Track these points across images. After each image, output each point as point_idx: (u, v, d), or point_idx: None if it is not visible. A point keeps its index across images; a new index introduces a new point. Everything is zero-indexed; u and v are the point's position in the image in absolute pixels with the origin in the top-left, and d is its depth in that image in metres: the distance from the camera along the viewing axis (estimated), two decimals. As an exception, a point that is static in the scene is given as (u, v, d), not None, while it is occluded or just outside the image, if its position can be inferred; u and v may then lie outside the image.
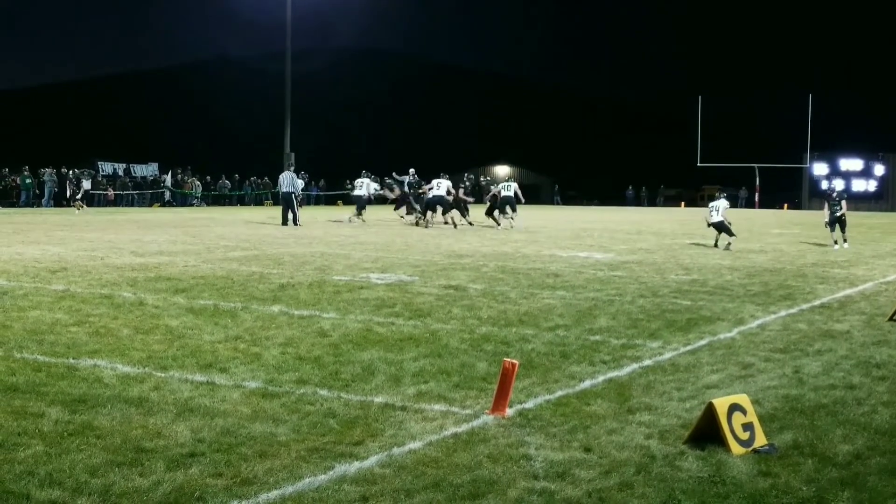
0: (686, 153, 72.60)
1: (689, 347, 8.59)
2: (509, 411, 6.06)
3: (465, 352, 8.14)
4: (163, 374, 6.96)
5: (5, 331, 8.54)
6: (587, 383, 7.02)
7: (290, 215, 28.82)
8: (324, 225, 29.96)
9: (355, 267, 15.35)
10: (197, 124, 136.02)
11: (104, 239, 20.94)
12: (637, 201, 76.01)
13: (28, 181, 46.78)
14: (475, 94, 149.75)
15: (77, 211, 38.49)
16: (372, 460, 5.07)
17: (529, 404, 6.33)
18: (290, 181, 29.77)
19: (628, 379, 7.22)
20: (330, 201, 59.55)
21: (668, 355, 8.19)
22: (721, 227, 21.40)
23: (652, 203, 75.57)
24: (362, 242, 21.43)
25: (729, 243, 20.99)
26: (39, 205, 45.27)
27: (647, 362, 7.86)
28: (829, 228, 22.71)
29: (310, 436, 5.50)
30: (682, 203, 70.08)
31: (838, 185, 22.93)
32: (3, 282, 12.12)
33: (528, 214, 44.40)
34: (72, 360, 7.33)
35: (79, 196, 42.09)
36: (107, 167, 53.35)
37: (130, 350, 7.82)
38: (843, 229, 22.53)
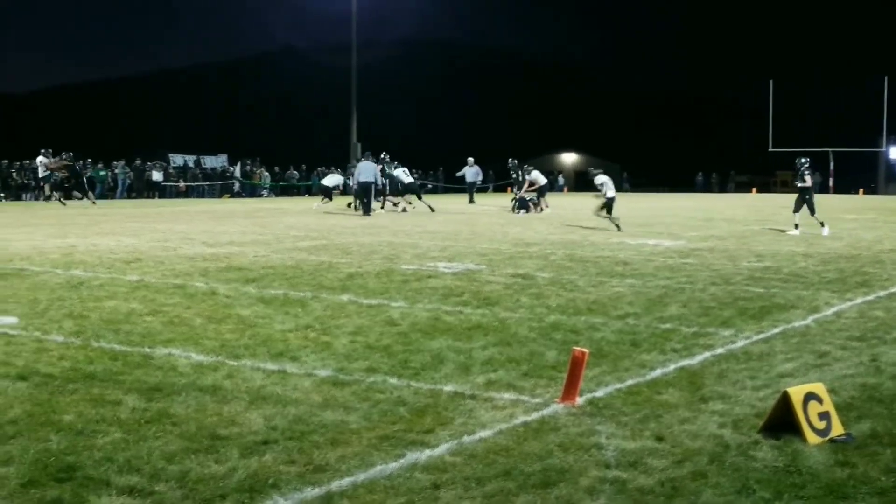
0: (757, 138, 71.52)
1: (762, 335, 8.48)
2: (579, 400, 6.05)
3: (533, 340, 8.13)
4: (235, 363, 7.06)
5: (83, 320, 8.74)
6: (658, 372, 6.97)
7: (369, 203, 29.05)
8: (390, 215, 30.09)
9: (423, 256, 15.41)
10: (264, 116, 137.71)
11: (176, 230, 21.28)
12: (707, 187, 75.08)
13: (102, 174, 47.68)
14: (539, 83, 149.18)
15: (64, 203, 34.77)
16: (442, 448, 5.10)
17: (600, 393, 6.31)
18: (370, 171, 29.81)
19: (700, 367, 7.16)
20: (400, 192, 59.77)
21: (740, 343, 8.10)
22: (611, 205, 22.29)
23: (723, 189, 74.56)
24: (429, 231, 21.49)
25: (618, 226, 21.59)
26: (113, 197, 46.11)
27: (720, 350, 7.78)
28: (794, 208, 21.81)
29: (380, 424, 5.55)
30: (754, 189, 68.99)
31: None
32: (80, 272, 12.40)
33: (593, 203, 44.16)
34: (147, 349, 7.48)
35: (54, 182, 36.21)
36: (178, 159, 54.17)
37: (203, 339, 7.96)
38: (811, 209, 21.55)
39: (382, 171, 31.85)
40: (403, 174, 32.72)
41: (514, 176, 40.75)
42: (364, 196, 29.35)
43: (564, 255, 15.70)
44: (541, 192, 32.31)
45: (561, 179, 79.26)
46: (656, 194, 66.23)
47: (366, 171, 29.83)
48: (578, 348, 6.15)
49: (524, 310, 9.81)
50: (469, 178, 41.00)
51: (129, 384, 6.36)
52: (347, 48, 51.92)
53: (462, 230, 22.17)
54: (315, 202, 33.25)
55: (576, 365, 6.02)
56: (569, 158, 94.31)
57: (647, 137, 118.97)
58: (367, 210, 28.85)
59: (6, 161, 46.48)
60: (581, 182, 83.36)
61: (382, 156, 32.62)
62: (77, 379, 6.47)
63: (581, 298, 10.68)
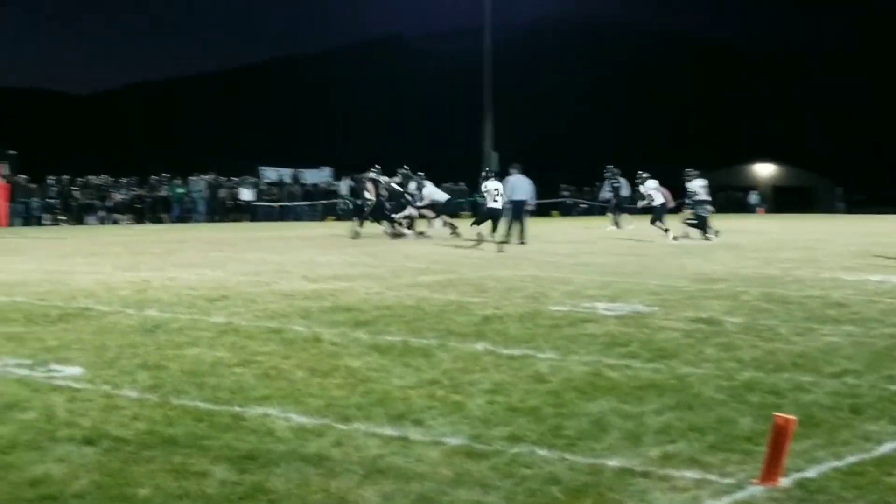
0: None
1: None
2: (783, 481, 5.94)
3: (722, 403, 8.03)
4: (345, 427, 7.17)
5: (160, 372, 9.01)
6: (888, 447, 6.79)
7: (518, 229, 29.15)
8: (535, 241, 30.13)
9: (577, 294, 15.39)
10: (375, 119, 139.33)
11: (270, 260, 21.76)
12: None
13: (179, 191, 49.12)
14: (728, 74, 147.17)
15: None
16: (607, 539, 5.08)
17: (811, 472, 6.19)
18: (525, 188, 30.00)
19: (944, 442, 6.95)
20: (542, 211, 59.82)
21: None
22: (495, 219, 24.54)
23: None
24: (585, 263, 21.45)
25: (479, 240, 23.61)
26: (192, 220, 47.47)
27: (970, 420, 7.53)
28: None
29: (528, 506, 5.56)
30: None
31: None
32: (155, 313, 12.79)
33: (797, 226, 43.33)
34: (238, 408, 7.66)
35: None
36: (270, 174, 55.30)
37: (306, 396, 8.11)
38: None
39: (400, 184, 32.58)
40: (436, 190, 33.83)
41: (614, 187, 40.38)
42: (518, 218, 29.51)
43: (760, 295, 15.46)
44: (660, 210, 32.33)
45: (754, 197, 77.87)
46: (881, 216, 64.62)
47: (520, 187, 29.89)
48: (781, 414, 6.04)
49: (709, 364, 9.69)
50: (623, 194, 40.61)
51: (216, 451, 6.52)
52: (465, 33, 52.44)
53: (626, 261, 22.06)
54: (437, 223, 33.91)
55: (779, 436, 5.91)
56: (765, 170, 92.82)
57: (869, 144, 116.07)
58: (510, 237, 29.02)
59: (67, 177, 48.28)
60: (783, 200, 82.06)
61: (375, 167, 33.38)
62: (154, 444, 6.66)
63: (784, 350, 10.49)
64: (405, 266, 20.60)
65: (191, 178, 50.42)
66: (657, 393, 8.36)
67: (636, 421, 7.41)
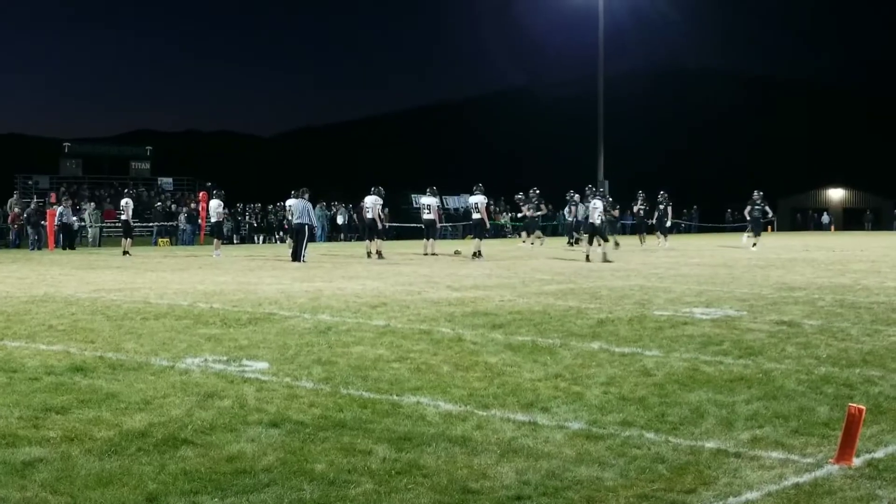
0: None
1: None
2: (856, 461, 5.78)
3: (802, 394, 7.83)
4: (484, 413, 7.18)
5: (331, 367, 9.13)
6: (949, 433, 6.55)
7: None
8: (642, 255, 29.80)
9: (677, 301, 15.17)
10: (505, 152, 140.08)
11: (420, 273, 21.90)
12: None
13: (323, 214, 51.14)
14: (803, 109, 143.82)
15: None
16: (705, 510, 4.99)
17: (879, 453, 6.01)
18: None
19: None
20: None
21: None
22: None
23: None
24: (683, 275, 21.13)
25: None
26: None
27: None
28: None
29: (638, 481, 5.49)
30: None
31: None
32: (328, 317, 12.96)
33: (864, 242, 42.08)
34: (395, 397, 7.72)
35: None
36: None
37: (451, 387, 8.14)
38: None
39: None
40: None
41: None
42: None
43: (833, 301, 15.05)
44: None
45: (826, 217, 76.27)
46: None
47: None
48: (854, 404, 5.89)
49: (791, 361, 9.47)
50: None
51: (378, 433, 6.58)
52: (588, 82, 52.19)
53: (718, 273, 21.68)
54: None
55: (852, 423, 5.76)
56: (835, 195, 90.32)
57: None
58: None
59: (258, 204, 51.73)
60: (851, 220, 79.93)
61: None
62: (327, 427, 6.75)
63: (854, 349, 10.20)
64: (533, 277, 20.53)
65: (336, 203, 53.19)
66: (746, 385, 8.20)
67: (729, 409, 7.28)
